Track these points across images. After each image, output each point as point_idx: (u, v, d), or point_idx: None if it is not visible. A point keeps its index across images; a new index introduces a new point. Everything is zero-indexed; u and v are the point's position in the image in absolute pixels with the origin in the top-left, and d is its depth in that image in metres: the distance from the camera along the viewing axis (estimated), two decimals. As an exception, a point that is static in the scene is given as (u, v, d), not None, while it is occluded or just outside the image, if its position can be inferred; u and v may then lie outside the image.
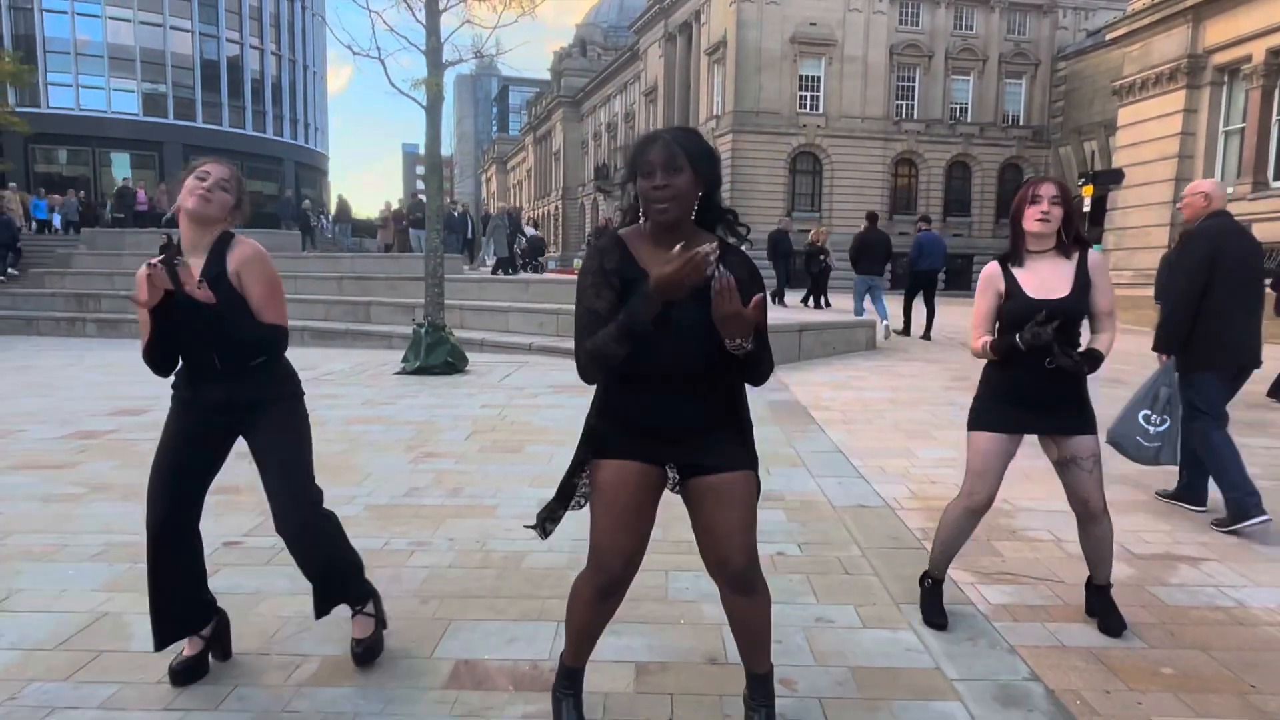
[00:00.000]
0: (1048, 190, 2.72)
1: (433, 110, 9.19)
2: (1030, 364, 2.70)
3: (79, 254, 19.14)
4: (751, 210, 34.23)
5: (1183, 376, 3.89)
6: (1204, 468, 4.17)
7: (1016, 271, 2.78)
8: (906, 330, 12.32)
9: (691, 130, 2.11)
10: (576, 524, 3.91)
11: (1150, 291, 18.29)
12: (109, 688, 2.54)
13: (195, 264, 2.42)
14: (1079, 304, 2.72)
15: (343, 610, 2.73)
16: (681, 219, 2.01)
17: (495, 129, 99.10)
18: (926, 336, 11.98)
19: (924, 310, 12.15)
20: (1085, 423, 2.83)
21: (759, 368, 2.05)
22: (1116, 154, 20.14)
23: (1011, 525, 4.08)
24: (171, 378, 2.58)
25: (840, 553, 3.70)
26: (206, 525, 4.19)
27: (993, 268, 2.84)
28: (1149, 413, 3.72)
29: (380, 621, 2.74)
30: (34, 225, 22.89)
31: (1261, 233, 17.36)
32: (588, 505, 2.20)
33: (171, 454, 2.52)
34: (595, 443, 2.16)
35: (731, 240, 2.11)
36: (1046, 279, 2.73)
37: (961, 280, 31.67)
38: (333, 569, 2.66)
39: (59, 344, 13.97)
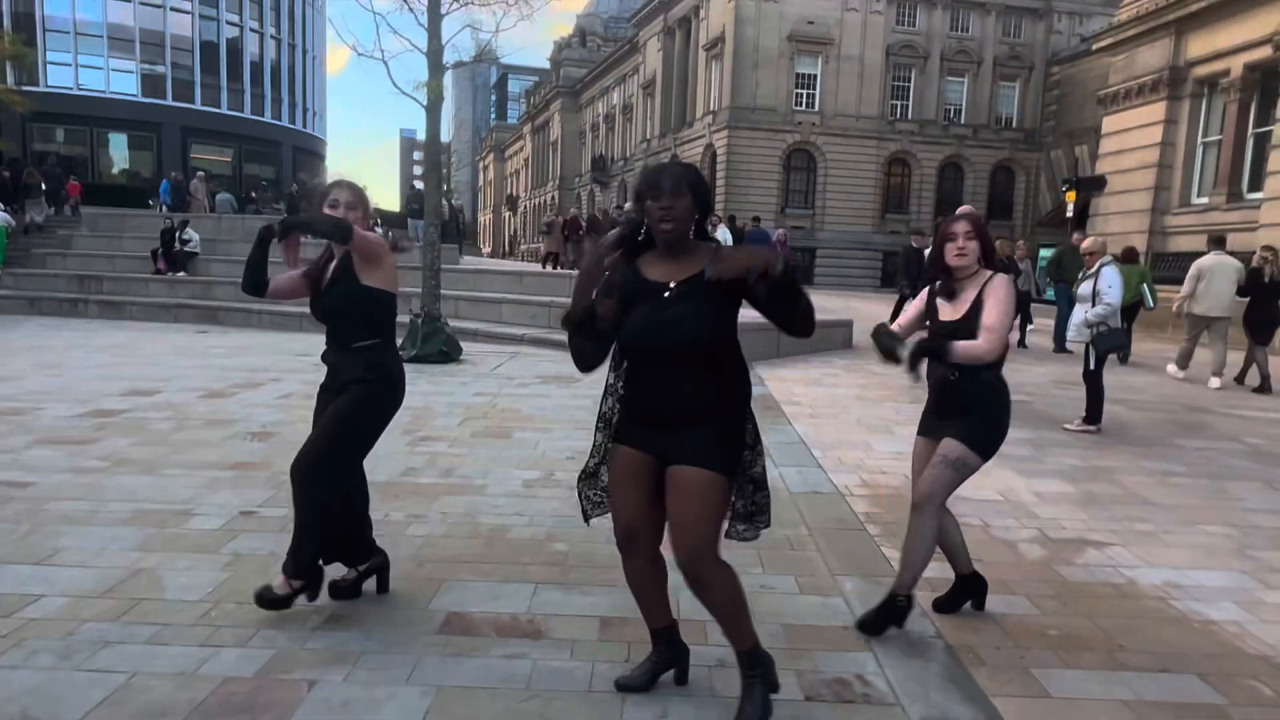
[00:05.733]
0: (962, 228, 3.05)
1: (433, 110, 9.59)
2: (936, 376, 3.12)
3: (80, 235, 19.46)
4: (745, 206, 34.69)
5: None
6: None
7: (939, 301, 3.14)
8: None
9: (690, 165, 2.46)
10: (558, 501, 4.42)
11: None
12: (151, 628, 2.99)
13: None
14: (969, 325, 3.00)
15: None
16: (683, 235, 2.34)
17: (494, 116, 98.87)
18: None
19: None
20: (954, 429, 3.05)
21: (793, 306, 2.21)
22: (1100, 161, 20.60)
23: (947, 512, 4.54)
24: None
25: (790, 532, 4.16)
26: (224, 496, 4.64)
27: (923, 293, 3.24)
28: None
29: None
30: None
31: (1236, 242, 17.70)
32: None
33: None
34: (612, 430, 2.49)
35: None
36: (957, 303, 3.08)
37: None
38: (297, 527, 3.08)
39: (63, 324, 14.34)
